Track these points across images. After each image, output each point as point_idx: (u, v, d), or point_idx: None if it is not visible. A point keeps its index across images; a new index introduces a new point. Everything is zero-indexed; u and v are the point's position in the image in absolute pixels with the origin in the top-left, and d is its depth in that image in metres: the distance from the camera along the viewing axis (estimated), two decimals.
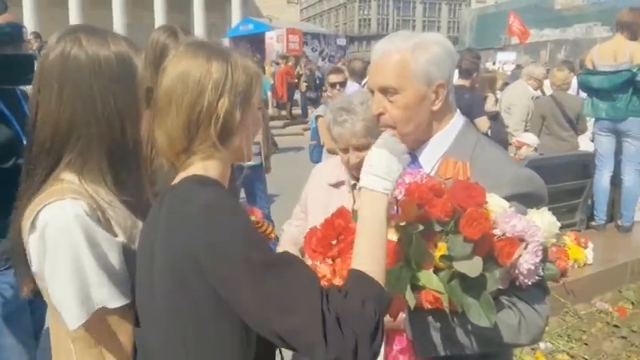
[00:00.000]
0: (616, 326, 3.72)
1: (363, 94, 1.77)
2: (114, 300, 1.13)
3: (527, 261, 1.12)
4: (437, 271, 1.15)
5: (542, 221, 1.18)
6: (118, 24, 31.69)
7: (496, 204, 1.18)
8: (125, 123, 1.18)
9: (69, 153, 1.17)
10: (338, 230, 1.25)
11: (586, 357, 3.33)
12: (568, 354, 3.36)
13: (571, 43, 23.24)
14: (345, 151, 1.80)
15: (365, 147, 1.76)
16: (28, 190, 1.19)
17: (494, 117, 5.39)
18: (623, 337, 3.57)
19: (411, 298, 1.11)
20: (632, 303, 4.05)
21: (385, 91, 1.34)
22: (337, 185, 1.90)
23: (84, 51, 1.15)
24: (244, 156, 1.14)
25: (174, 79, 1.06)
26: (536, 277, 1.16)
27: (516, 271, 1.15)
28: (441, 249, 1.14)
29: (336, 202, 1.85)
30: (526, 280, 1.15)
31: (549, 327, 3.64)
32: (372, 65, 1.39)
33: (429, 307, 1.13)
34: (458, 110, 1.44)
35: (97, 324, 1.13)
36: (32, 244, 1.14)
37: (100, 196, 1.17)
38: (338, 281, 1.17)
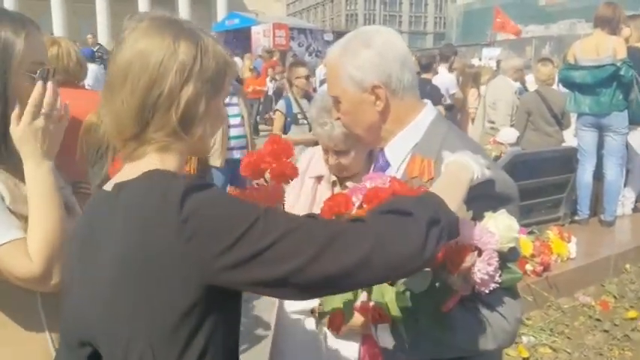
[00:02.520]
0: (598, 320, 3.73)
1: None
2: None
3: (480, 270, 1.07)
4: None
5: (496, 227, 1.12)
6: (102, 17, 31.35)
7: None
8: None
9: None
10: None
11: (568, 350, 3.34)
12: (551, 347, 3.37)
13: (555, 40, 23.35)
14: (325, 150, 1.78)
15: (344, 152, 1.72)
16: None
17: (449, 107, 5.52)
18: (606, 331, 3.58)
19: (349, 313, 1.12)
20: (615, 297, 4.07)
21: (334, 99, 1.37)
22: (318, 179, 1.86)
23: None
24: (205, 150, 1.06)
25: (133, 56, 0.93)
26: (493, 285, 1.11)
27: (472, 280, 1.11)
28: None
29: (307, 193, 1.82)
30: (483, 289, 1.11)
31: (532, 321, 3.65)
32: None
33: (374, 322, 1.13)
34: (428, 103, 1.39)
35: None
36: None
37: None
38: None
